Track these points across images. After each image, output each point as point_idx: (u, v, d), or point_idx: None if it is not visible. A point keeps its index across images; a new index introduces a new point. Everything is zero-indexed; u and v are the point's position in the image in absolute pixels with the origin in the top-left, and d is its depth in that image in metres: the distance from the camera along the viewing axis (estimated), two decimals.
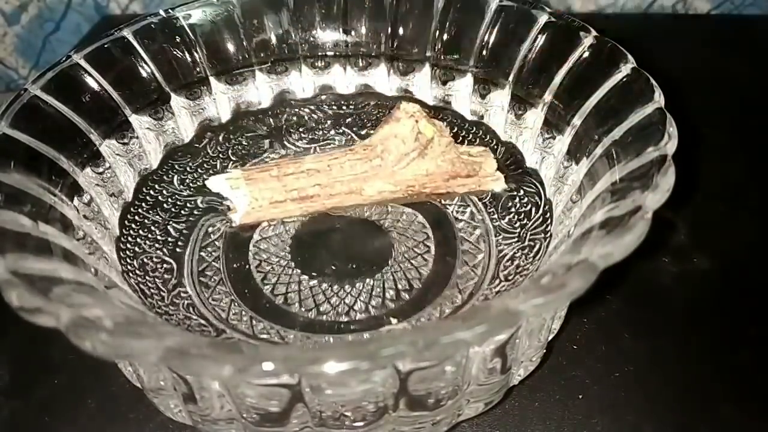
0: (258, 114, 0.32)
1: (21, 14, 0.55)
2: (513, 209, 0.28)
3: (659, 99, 0.22)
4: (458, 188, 0.28)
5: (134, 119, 0.28)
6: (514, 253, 0.26)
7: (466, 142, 0.31)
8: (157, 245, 0.27)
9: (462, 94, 0.31)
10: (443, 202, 0.29)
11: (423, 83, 0.32)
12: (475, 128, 0.31)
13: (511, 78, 0.28)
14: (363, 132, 0.33)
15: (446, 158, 0.27)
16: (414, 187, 0.28)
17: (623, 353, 0.26)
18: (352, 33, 0.32)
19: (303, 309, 0.25)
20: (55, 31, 0.56)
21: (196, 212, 0.29)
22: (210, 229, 0.28)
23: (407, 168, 0.27)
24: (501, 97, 0.29)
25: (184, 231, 0.28)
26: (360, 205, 0.28)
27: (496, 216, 0.28)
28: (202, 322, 0.24)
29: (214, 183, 0.28)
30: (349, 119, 0.33)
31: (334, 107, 0.33)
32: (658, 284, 0.29)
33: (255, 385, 0.18)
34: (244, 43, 0.31)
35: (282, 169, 0.27)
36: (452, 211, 0.28)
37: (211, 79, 0.31)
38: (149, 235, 0.27)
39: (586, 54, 0.25)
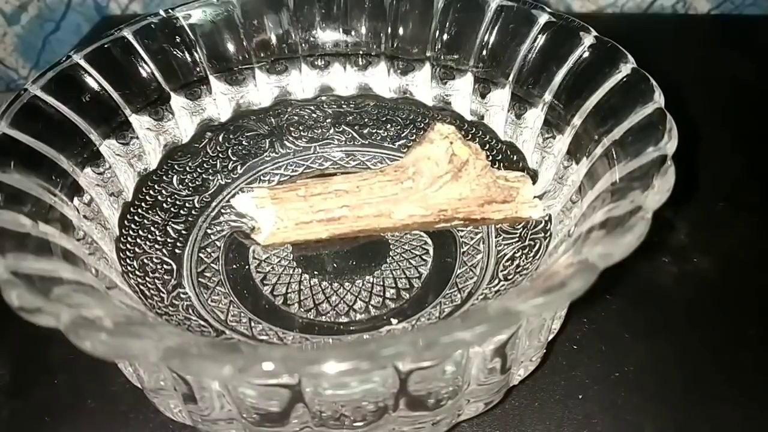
0: (258, 113, 0.32)
1: (21, 14, 0.55)
2: None
3: (659, 99, 0.22)
4: (493, 214, 0.27)
5: (134, 119, 0.28)
6: (514, 252, 0.26)
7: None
8: (156, 246, 0.27)
9: (462, 94, 0.31)
10: None
11: (423, 83, 0.32)
12: (474, 128, 0.31)
13: (511, 78, 0.28)
14: (365, 131, 0.33)
15: (481, 182, 0.26)
16: (446, 212, 0.27)
17: (623, 353, 0.26)
18: (352, 33, 0.32)
19: (302, 309, 0.25)
20: (55, 31, 0.56)
21: (194, 212, 0.29)
22: (209, 231, 0.28)
23: (440, 191, 0.26)
24: (501, 96, 0.29)
25: (183, 232, 0.28)
26: (389, 229, 0.27)
27: None
28: (202, 323, 0.24)
29: (240, 202, 0.27)
30: (350, 118, 0.33)
31: (334, 106, 0.33)
32: (658, 284, 0.29)
33: (255, 385, 0.18)
34: (244, 43, 0.31)
35: (309, 189, 0.27)
36: None
37: (211, 79, 0.30)
38: (149, 236, 0.27)
39: (586, 54, 0.25)
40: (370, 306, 0.25)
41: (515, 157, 0.29)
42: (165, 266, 0.26)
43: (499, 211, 0.27)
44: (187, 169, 0.30)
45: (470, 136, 0.31)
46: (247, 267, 0.27)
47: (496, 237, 0.27)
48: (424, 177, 0.26)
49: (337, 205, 0.26)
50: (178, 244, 0.27)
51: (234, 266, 0.27)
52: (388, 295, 0.25)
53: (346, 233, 0.27)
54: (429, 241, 0.27)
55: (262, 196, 0.27)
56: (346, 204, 0.26)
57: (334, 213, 0.26)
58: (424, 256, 0.27)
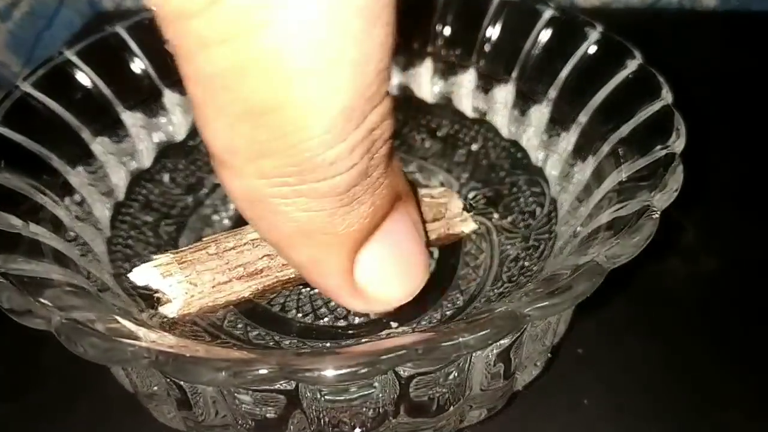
0: None
1: (12, 10, 0.55)
2: (517, 209, 0.27)
3: (667, 96, 0.21)
4: (427, 235, 0.25)
5: (127, 116, 0.27)
6: (518, 253, 0.25)
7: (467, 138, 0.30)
8: (150, 248, 0.26)
9: (464, 90, 0.30)
10: None
11: (424, 79, 0.31)
12: (477, 125, 0.30)
13: (514, 74, 0.28)
14: None
15: None
16: None
17: (630, 357, 0.25)
18: None
19: (300, 315, 0.24)
20: (48, 28, 0.56)
21: (185, 212, 0.28)
22: (202, 234, 0.27)
23: None
24: (504, 93, 0.28)
25: (174, 234, 0.27)
26: None
27: (498, 216, 0.27)
28: (196, 327, 0.23)
29: (140, 275, 0.23)
30: None
31: None
32: (666, 286, 0.28)
33: (251, 391, 0.17)
34: None
35: (221, 245, 0.23)
36: None
37: None
38: (141, 237, 0.26)
39: (592, 50, 0.25)
40: None
41: (519, 155, 0.28)
42: None
43: (433, 231, 0.25)
44: (179, 167, 0.29)
45: (473, 132, 0.30)
46: None
47: (498, 236, 0.26)
48: None
49: (256, 256, 0.23)
50: (170, 246, 0.27)
51: None
52: None
53: (272, 286, 0.24)
54: None
55: (167, 263, 0.23)
56: (267, 253, 0.23)
57: (255, 265, 0.23)
58: None
